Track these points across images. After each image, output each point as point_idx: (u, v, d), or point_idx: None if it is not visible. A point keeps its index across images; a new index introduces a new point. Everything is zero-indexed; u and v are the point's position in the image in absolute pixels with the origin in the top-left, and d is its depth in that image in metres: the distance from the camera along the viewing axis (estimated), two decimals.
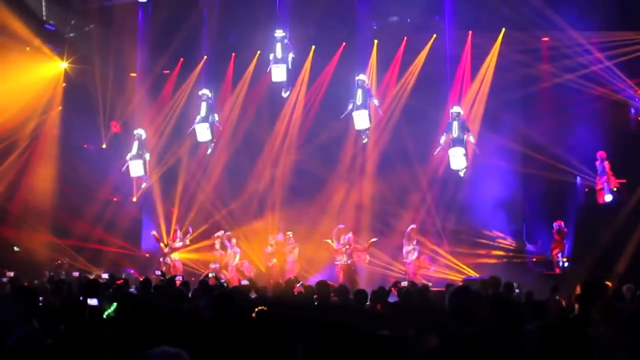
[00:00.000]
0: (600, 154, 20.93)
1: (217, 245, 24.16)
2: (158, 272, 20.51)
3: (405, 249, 22.06)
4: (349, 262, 22.02)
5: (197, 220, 25.61)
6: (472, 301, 5.74)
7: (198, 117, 24.43)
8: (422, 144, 23.02)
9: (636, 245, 19.39)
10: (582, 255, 19.88)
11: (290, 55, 23.10)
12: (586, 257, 19.28)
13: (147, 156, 25.21)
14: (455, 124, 21.40)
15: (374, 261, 23.27)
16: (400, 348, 7.06)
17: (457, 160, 21.43)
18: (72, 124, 25.88)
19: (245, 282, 15.49)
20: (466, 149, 21.42)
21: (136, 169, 25.07)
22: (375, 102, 22.63)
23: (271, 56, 23.23)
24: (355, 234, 22.68)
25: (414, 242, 22.04)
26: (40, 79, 25.90)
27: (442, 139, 21.69)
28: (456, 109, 21.68)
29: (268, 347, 7.59)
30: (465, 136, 21.45)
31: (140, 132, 25.19)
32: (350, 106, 22.43)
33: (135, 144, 25.01)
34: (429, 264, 22.29)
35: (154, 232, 25.08)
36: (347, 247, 22.07)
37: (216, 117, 24.59)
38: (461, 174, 21.70)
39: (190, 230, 24.84)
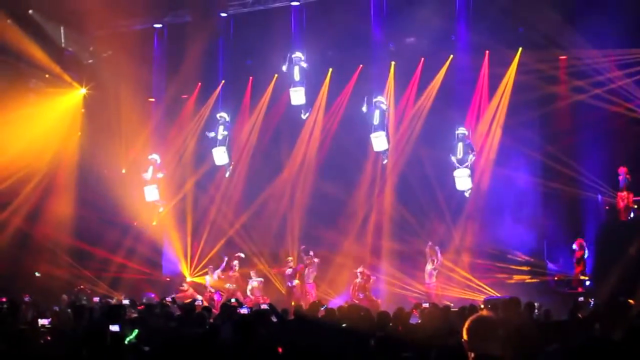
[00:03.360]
0: (622, 169, 20.85)
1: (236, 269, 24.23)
2: (169, 299, 20.51)
3: (427, 268, 22.03)
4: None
5: (217, 243, 25.66)
6: (489, 328, 5.70)
7: (212, 134, 24.67)
8: (440, 163, 22.98)
9: None
10: (604, 273, 19.71)
11: (303, 64, 23.21)
12: (608, 275, 19.11)
13: (160, 175, 25.35)
14: (460, 145, 21.45)
15: (393, 281, 23.25)
16: None
17: (462, 181, 21.51)
18: (92, 149, 25.99)
19: (265, 306, 15.46)
20: (471, 170, 21.47)
21: (151, 193, 25.23)
22: (384, 107, 22.62)
23: (284, 67, 23.36)
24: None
25: (434, 262, 21.97)
26: (60, 105, 26.10)
27: (454, 159, 21.71)
28: (461, 130, 21.73)
29: None
30: (469, 157, 21.50)
31: (154, 157, 25.37)
32: (364, 108, 22.54)
33: (150, 169, 25.19)
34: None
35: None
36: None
37: (227, 137, 24.77)
38: (466, 194, 21.74)
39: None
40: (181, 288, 24.24)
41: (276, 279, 24.81)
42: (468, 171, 21.35)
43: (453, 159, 21.69)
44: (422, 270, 22.42)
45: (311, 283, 23.26)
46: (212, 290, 24.04)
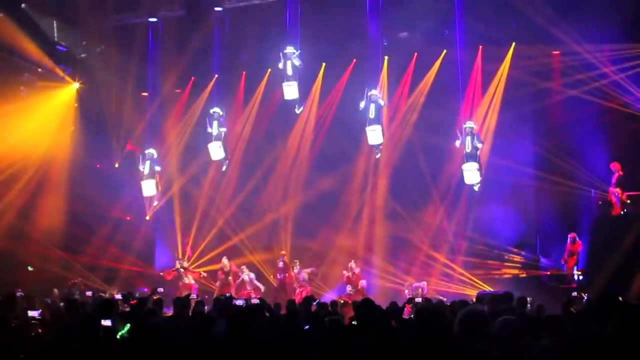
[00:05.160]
0: (615, 165, 20.86)
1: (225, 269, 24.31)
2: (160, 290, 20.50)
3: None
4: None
5: (210, 236, 25.66)
6: (480, 322, 5.70)
7: (209, 130, 24.51)
8: (434, 158, 23.03)
9: None
10: (597, 268, 19.71)
11: (297, 62, 23.02)
12: (602, 270, 19.11)
13: (158, 169, 25.25)
14: (468, 139, 21.38)
15: (386, 276, 23.29)
16: None
17: (471, 175, 21.42)
18: (85, 143, 25.92)
19: (255, 301, 15.44)
20: (479, 164, 21.41)
21: (149, 188, 25.13)
22: (381, 102, 22.50)
23: (280, 65, 23.11)
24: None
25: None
26: (53, 100, 26.01)
27: (457, 143, 21.60)
28: (469, 124, 21.62)
29: None
30: (478, 151, 21.46)
31: (151, 151, 25.22)
32: (363, 104, 22.37)
33: (147, 164, 25.05)
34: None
35: None
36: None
37: (223, 132, 24.63)
38: (475, 188, 21.67)
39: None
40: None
41: (268, 272, 24.82)
42: (476, 165, 21.29)
43: (456, 142, 21.59)
44: (415, 265, 22.56)
45: (305, 278, 23.28)
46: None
